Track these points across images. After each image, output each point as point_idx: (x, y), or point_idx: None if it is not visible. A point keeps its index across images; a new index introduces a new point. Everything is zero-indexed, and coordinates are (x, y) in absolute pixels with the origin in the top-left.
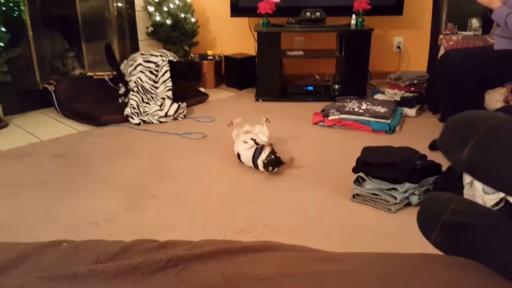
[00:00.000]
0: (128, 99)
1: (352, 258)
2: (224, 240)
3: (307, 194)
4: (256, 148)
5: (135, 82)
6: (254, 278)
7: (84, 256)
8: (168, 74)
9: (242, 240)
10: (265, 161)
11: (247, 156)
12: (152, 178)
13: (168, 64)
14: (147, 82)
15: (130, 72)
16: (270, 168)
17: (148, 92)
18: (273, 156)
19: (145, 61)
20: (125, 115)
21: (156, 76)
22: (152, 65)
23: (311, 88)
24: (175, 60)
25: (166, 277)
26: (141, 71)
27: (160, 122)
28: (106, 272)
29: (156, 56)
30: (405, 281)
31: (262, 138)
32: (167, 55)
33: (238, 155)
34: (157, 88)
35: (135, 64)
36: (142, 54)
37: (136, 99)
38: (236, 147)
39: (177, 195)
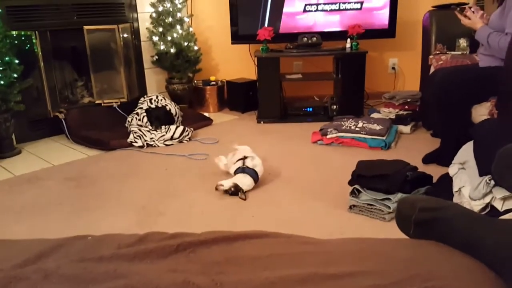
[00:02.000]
0: (130, 130)
1: (331, 242)
2: (224, 231)
3: (307, 207)
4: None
5: (130, 121)
6: (250, 258)
7: (106, 245)
8: (145, 119)
9: None
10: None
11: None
12: (160, 197)
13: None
14: (137, 123)
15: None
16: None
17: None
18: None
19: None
20: (128, 142)
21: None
22: (139, 111)
23: (310, 109)
24: (154, 107)
25: (177, 258)
26: (134, 116)
27: (166, 145)
28: (127, 255)
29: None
30: (372, 257)
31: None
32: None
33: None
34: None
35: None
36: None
37: (137, 126)
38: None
39: (184, 211)
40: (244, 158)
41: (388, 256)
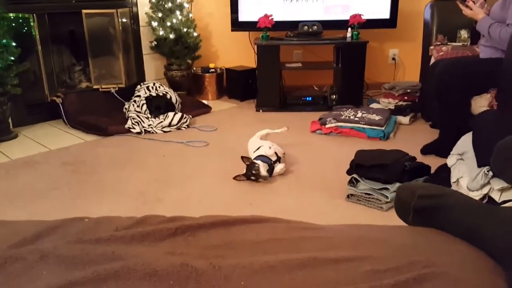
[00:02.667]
0: (128, 116)
1: (331, 227)
2: (223, 215)
3: (305, 195)
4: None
5: (128, 107)
6: (249, 242)
7: (104, 227)
8: (144, 107)
9: None
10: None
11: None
12: (158, 184)
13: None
14: (135, 109)
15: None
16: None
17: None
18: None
19: (136, 96)
20: (126, 128)
21: (138, 106)
22: (137, 98)
23: (310, 98)
24: (154, 95)
25: (175, 241)
26: (132, 102)
27: (164, 131)
28: (125, 237)
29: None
30: (371, 243)
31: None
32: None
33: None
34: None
35: (133, 97)
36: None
37: (135, 112)
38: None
39: (182, 198)
40: (278, 159)
41: (388, 242)
